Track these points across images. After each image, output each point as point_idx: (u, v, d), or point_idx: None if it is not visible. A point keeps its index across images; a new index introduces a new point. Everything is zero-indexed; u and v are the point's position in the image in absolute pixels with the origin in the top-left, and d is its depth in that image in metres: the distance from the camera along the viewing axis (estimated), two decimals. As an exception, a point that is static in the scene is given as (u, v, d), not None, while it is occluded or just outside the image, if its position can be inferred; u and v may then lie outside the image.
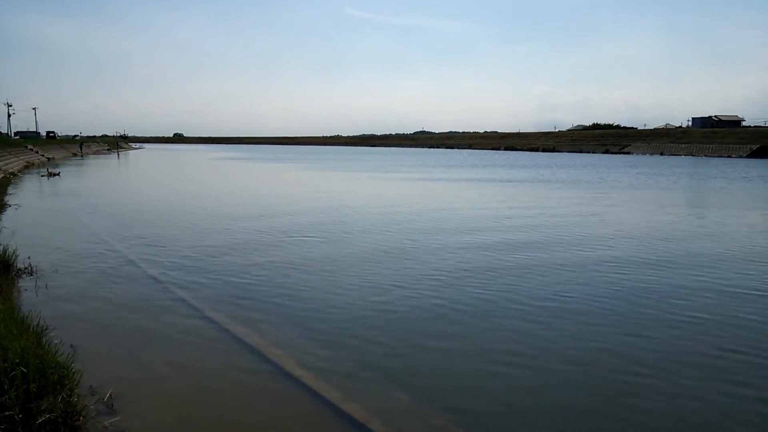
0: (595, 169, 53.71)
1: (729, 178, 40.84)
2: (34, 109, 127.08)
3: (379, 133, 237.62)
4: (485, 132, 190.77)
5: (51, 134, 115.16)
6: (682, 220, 19.87)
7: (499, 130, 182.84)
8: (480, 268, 11.90)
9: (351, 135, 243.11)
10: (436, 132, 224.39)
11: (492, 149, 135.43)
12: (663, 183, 36.91)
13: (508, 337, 7.90)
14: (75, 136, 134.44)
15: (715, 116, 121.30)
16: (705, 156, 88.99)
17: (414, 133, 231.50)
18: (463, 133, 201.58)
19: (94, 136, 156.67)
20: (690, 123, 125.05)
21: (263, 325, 8.23)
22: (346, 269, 11.79)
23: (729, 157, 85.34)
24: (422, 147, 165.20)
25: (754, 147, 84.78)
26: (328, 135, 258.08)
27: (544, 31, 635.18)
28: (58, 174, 39.80)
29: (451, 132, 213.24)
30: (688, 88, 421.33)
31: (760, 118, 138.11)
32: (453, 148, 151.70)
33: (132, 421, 5.49)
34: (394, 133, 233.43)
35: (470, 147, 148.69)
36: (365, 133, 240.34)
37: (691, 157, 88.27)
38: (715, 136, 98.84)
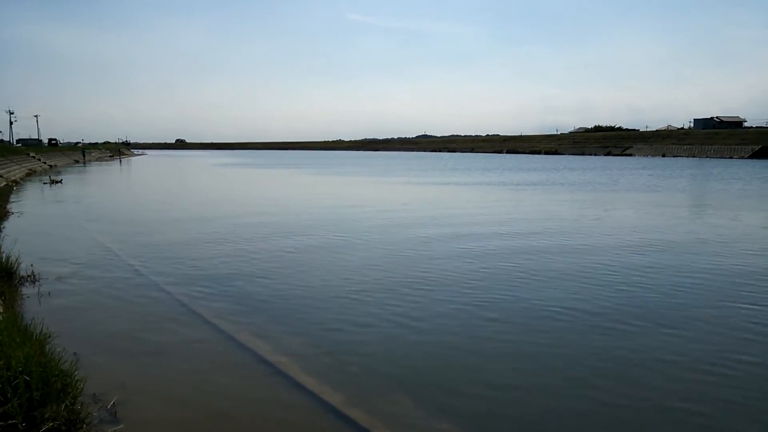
0: (610, 171, 53.72)
1: (745, 180, 41.01)
2: (36, 116, 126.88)
3: (381, 137, 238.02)
4: (487, 135, 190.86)
5: (53, 141, 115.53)
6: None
7: (500, 133, 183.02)
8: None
9: (353, 139, 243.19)
10: (438, 136, 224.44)
11: (494, 152, 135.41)
12: (680, 184, 37.17)
13: (517, 344, 7.85)
14: (77, 143, 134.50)
15: (717, 117, 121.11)
16: (707, 157, 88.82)
17: (416, 137, 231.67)
18: (465, 136, 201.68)
19: (96, 143, 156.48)
20: (692, 124, 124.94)
21: (268, 333, 8.18)
22: (354, 278, 11.72)
23: (731, 158, 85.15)
24: (424, 151, 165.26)
25: (756, 148, 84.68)
26: (330, 140, 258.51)
27: (544, 34, 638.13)
28: (61, 181, 39.84)
29: (453, 135, 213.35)
30: (689, 89, 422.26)
31: (762, 119, 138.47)
32: (455, 151, 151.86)
33: (135, 429, 5.46)
34: (396, 137, 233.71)
35: (472, 150, 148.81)
36: (367, 138, 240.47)
37: (693, 158, 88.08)
38: (717, 137, 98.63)
